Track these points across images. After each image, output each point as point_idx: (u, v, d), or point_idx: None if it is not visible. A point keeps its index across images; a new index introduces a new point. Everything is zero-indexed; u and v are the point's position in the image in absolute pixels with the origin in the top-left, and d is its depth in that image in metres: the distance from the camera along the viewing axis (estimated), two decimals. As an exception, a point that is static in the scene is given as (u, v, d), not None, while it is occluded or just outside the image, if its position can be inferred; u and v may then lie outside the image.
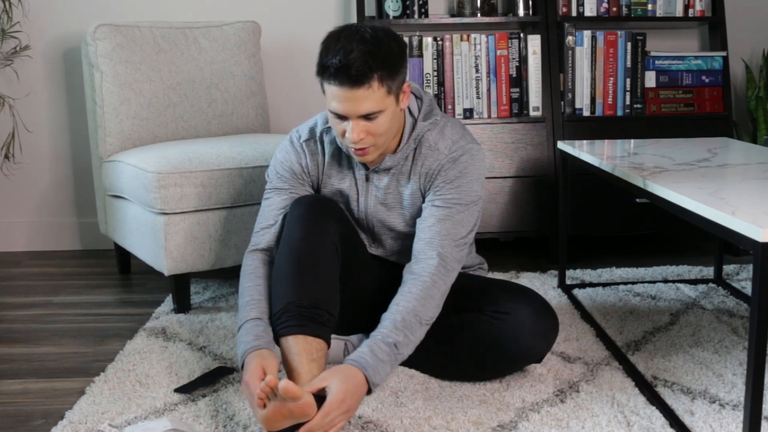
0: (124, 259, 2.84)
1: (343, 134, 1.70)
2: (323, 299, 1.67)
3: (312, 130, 1.89)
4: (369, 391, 1.55)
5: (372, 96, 1.62)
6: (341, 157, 1.87)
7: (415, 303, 1.65)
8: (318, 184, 1.90)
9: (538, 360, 1.81)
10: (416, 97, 1.85)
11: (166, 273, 2.28)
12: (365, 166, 1.84)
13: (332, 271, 1.72)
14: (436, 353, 1.81)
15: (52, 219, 3.21)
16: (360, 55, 1.59)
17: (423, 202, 1.81)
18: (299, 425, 1.47)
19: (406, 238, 1.87)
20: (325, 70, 1.62)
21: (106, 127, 2.60)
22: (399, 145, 1.81)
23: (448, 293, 1.83)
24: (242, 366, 1.60)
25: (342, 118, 1.67)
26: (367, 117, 1.65)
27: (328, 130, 1.87)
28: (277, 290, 1.70)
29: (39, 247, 3.21)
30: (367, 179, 1.85)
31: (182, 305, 2.34)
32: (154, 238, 2.28)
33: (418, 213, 1.82)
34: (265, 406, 1.46)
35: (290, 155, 1.87)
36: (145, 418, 1.64)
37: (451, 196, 1.76)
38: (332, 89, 1.63)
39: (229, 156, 2.33)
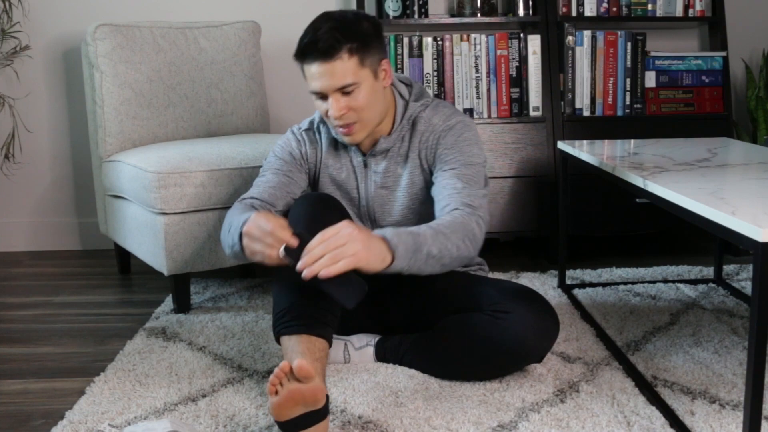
0: (124, 259, 2.84)
1: (327, 114, 1.76)
2: (326, 299, 1.67)
3: (311, 122, 1.96)
4: (392, 259, 1.54)
5: (343, 67, 1.70)
6: (338, 147, 1.92)
7: (442, 222, 1.66)
8: (316, 174, 1.94)
9: (539, 360, 1.81)
10: (406, 84, 1.92)
11: (166, 273, 2.28)
12: (362, 152, 1.86)
13: None
14: (437, 352, 1.81)
15: (52, 219, 3.21)
16: (327, 30, 1.68)
17: (427, 178, 1.85)
18: (310, 419, 1.47)
19: (407, 224, 1.88)
20: (298, 51, 1.73)
21: (106, 127, 2.60)
22: (393, 127, 1.86)
23: (448, 292, 1.83)
24: (240, 236, 1.63)
25: (323, 98, 1.74)
26: (345, 91, 1.72)
27: (324, 122, 1.93)
28: (281, 289, 1.71)
29: (39, 247, 3.21)
30: (365, 165, 1.88)
31: (182, 305, 2.34)
32: (154, 238, 2.28)
33: (418, 195, 1.86)
34: (276, 392, 1.46)
35: (291, 142, 1.94)
36: (145, 418, 1.64)
37: (454, 158, 1.80)
38: (307, 69, 1.73)
39: (229, 156, 2.33)
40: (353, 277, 1.51)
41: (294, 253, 1.52)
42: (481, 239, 1.72)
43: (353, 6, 3.06)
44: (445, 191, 1.76)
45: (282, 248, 1.53)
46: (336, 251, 1.47)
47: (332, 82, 1.70)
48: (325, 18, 1.73)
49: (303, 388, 1.45)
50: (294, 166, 1.91)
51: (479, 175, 1.80)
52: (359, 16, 1.76)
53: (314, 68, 1.71)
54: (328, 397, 1.55)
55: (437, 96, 2.90)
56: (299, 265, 1.48)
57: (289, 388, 1.45)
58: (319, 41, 1.67)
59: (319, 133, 1.94)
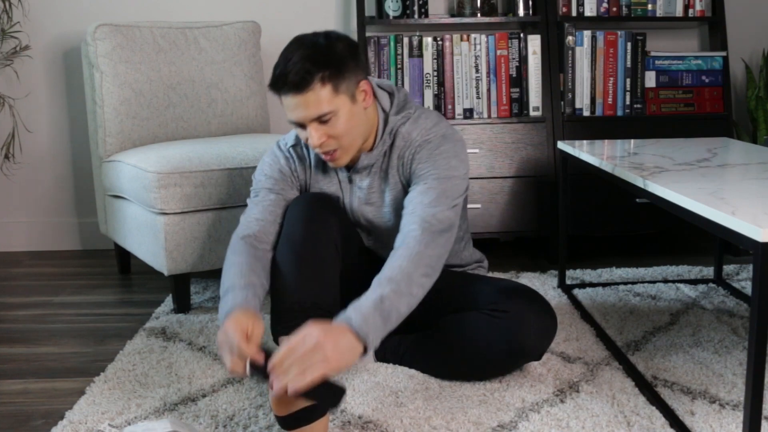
0: (124, 259, 2.84)
1: (308, 142, 1.70)
2: (324, 299, 1.67)
3: (297, 136, 1.88)
4: (365, 350, 1.45)
5: (317, 98, 1.62)
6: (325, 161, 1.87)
7: (401, 262, 1.57)
8: (306, 189, 1.89)
9: (537, 358, 1.81)
10: (389, 93, 1.84)
11: (166, 273, 2.28)
12: (346, 167, 1.84)
13: (333, 270, 1.73)
14: (436, 352, 1.81)
15: (52, 219, 3.21)
16: (298, 59, 1.61)
17: (406, 193, 1.78)
18: (310, 414, 1.47)
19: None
20: (271, 82, 1.66)
21: (106, 127, 2.60)
22: (375, 142, 1.80)
23: (446, 291, 1.83)
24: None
25: (302, 126, 1.68)
26: (322, 120, 1.65)
27: None
28: (278, 289, 1.71)
29: (39, 247, 3.21)
30: (350, 181, 1.85)
31: (182, 305, 2.34)
32: (154, 238, 2.28)
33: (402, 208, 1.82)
34: None
35: (279, 159, 1.87)
36: (145, 418, 1.64)
37: (427, 171, 1.72)
38: (283, 100, 1.66)
39: (229, 156, 2.33)
40: (328, 382, 1.42)
41: (261, 369, 1.42)
42: (444, 257, 1.65)
43: (353, 7, 3.06)
44: (410, 206, 1.69)
45: (247, 364, 1.44)
46: (304, 361, 1.38)
47: (307, 113, 1.64)
48: (297, 45, 1.65)
49: None
50: (285, 184, 1.86)
51: (454, 188, 1.72)
52: (332, 39, 1.68)
53: (288, 100, 1.64)
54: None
55: (437, 97, 2.90)
56: (269, 381, 1.39)
57: None
58: (290, 73, 1.61)
59: (307, 148, 1.88)
